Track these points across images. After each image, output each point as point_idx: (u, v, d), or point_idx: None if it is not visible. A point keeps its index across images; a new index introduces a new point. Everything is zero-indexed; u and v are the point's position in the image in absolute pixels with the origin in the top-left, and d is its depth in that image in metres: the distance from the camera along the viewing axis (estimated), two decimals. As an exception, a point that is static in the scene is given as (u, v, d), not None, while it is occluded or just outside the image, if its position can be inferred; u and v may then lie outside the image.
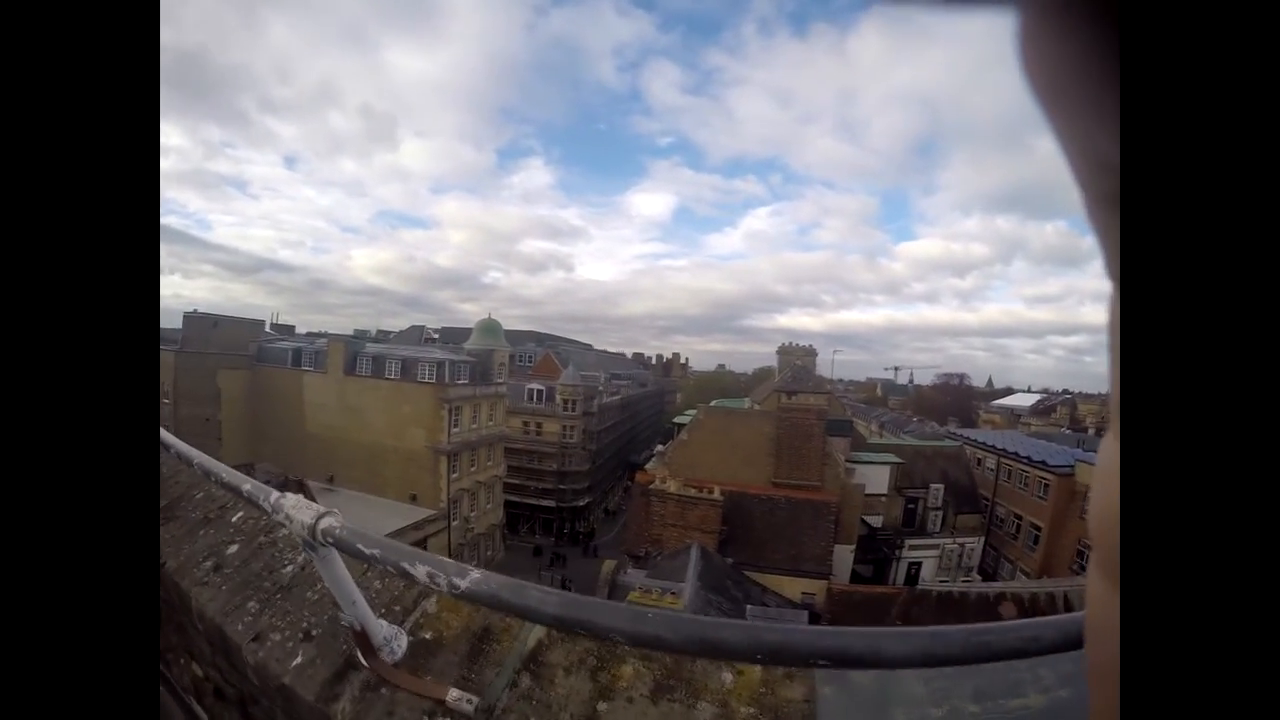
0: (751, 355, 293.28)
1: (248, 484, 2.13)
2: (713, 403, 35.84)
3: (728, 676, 1.89)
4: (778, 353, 42.91)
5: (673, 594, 15.51)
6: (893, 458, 35.53)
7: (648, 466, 31.56)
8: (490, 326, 47.54)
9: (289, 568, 2.61)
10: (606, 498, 68.21)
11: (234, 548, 2.83)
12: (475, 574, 1.43)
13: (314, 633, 2.20)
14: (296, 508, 1.78)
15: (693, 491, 22.56)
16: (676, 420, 34.95)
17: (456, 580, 1.43)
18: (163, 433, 2.91)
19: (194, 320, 46.33)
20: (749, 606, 21.37)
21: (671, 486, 22.61)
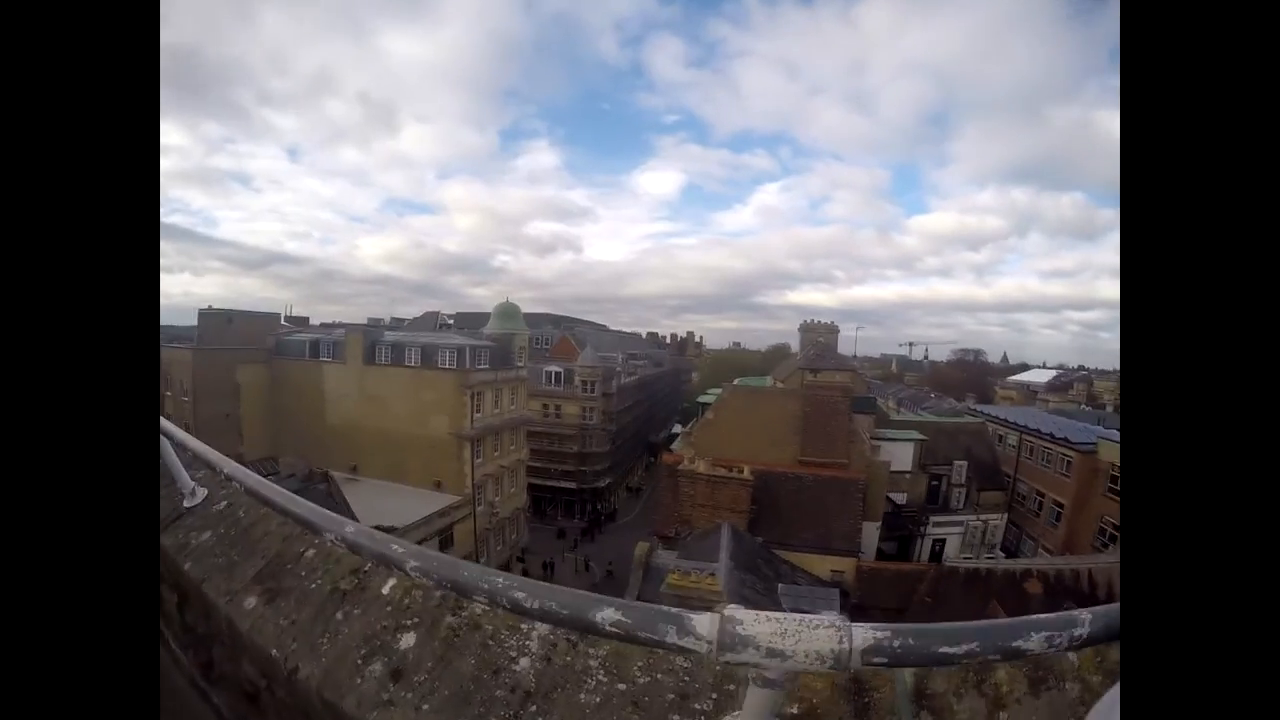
0: (764, 332, 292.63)
1: (387, 546, 1.83)
2: (735, 381, 35.73)
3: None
4: (800, 330, 42.79)
5: (710, 575, 15.52)
6: (916, 434, 35.35)
7: (673, 447, 31.58)
8: (509, 310, 47.46)
9: (522, 663, 1.91)
10: (628, 476, 68.60)
11: (409, 638, 2.03)
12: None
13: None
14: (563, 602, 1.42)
15: (722, 471, 22.53)
16: (700, 400, 34.87)
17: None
18: (229, 464, 2.73)
19: (209, 316, 46.63)
20: (780, 585, 21.45)
21: (700, 467, 22.58)
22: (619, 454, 62.98)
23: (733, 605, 1.28)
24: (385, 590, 2.24)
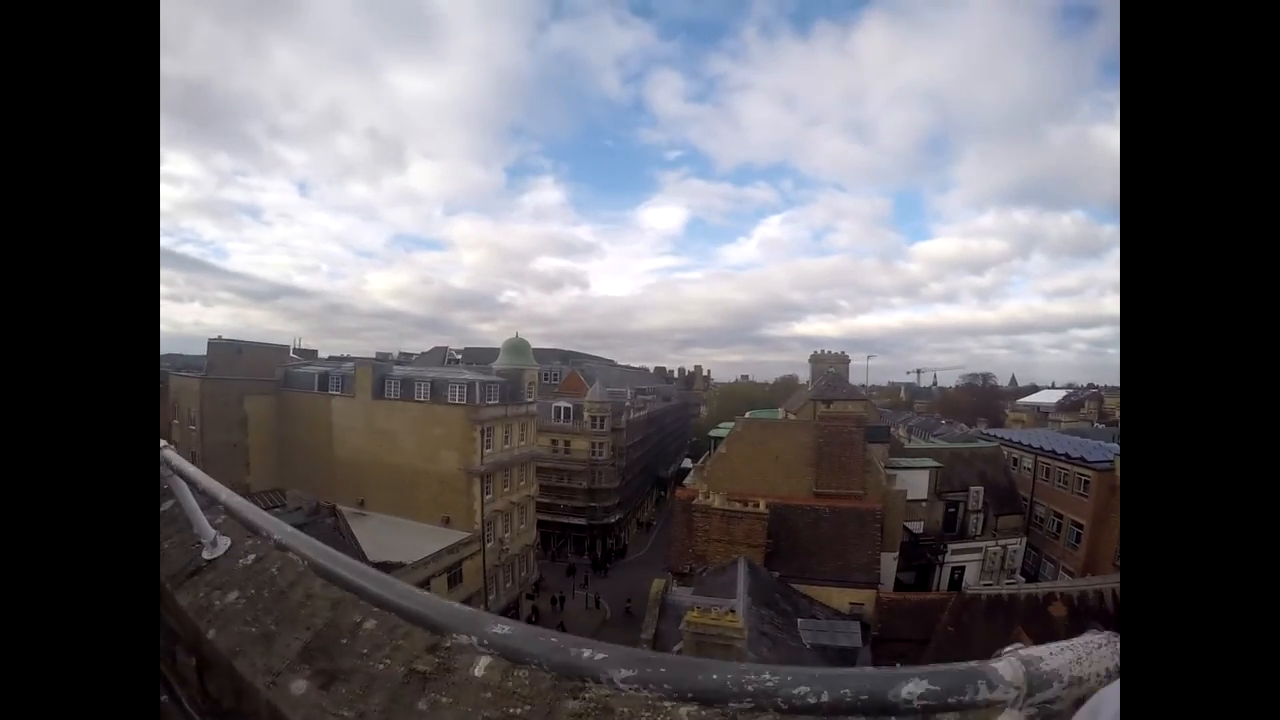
0: (771, 365, 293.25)
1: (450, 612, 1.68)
2: (747, 414, 35.45)
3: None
4: (810, 361, 42.38)
5: (730, 611, 15.12)
6: (931, 462, 35.02)
7: (686, 481, 31.24)
8: (518, 346, 47.36)
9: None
10: (637, 512, 67.92)
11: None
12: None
13: None
14: None
15: (737, 505, 22.20)
16: (711, 434, 34.56)
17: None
18: (258, 514, 2.55)
19: (219, 347, 46.61)
20: (800, 620, 21.04)
21: (715, 501, 22.27)
22: (628, 489, 62.36)
23: (1014, 646, 1.25)
24: (478, 672, 1.79)
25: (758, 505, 22.22)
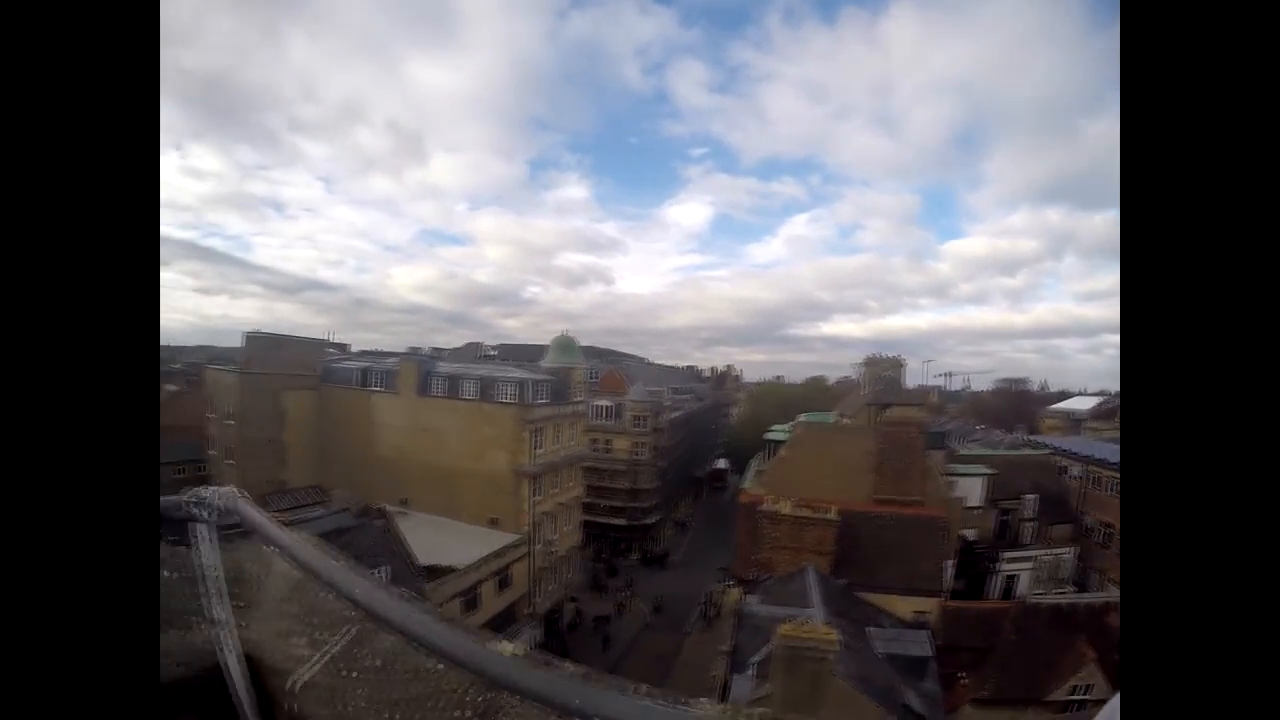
0: (796, 364, 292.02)
1: None
2: (801, 417, 35.14)
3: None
4: (865, 364, 41.77)
5: (826, 624, 14.89)
6: (985, 469, 34.57)
7: (745, 485, 31.00)
8: (566, 343, 47.16)
9: None
10: (673, 511, 67.72)
11: None
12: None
13: None
14: None
15: (807, 512, 21.92)
16: (768, 437, 34.23)
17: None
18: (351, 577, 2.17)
19: (256, 340, 46.43)
20: (868, 629, 20.77)
21: (784, 507, 21.98)
22: (666, 489, 62.22)
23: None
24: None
25: (828, 511, 21.92)
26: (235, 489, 2.53)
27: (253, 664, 2.27)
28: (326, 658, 2.07)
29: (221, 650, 2.25)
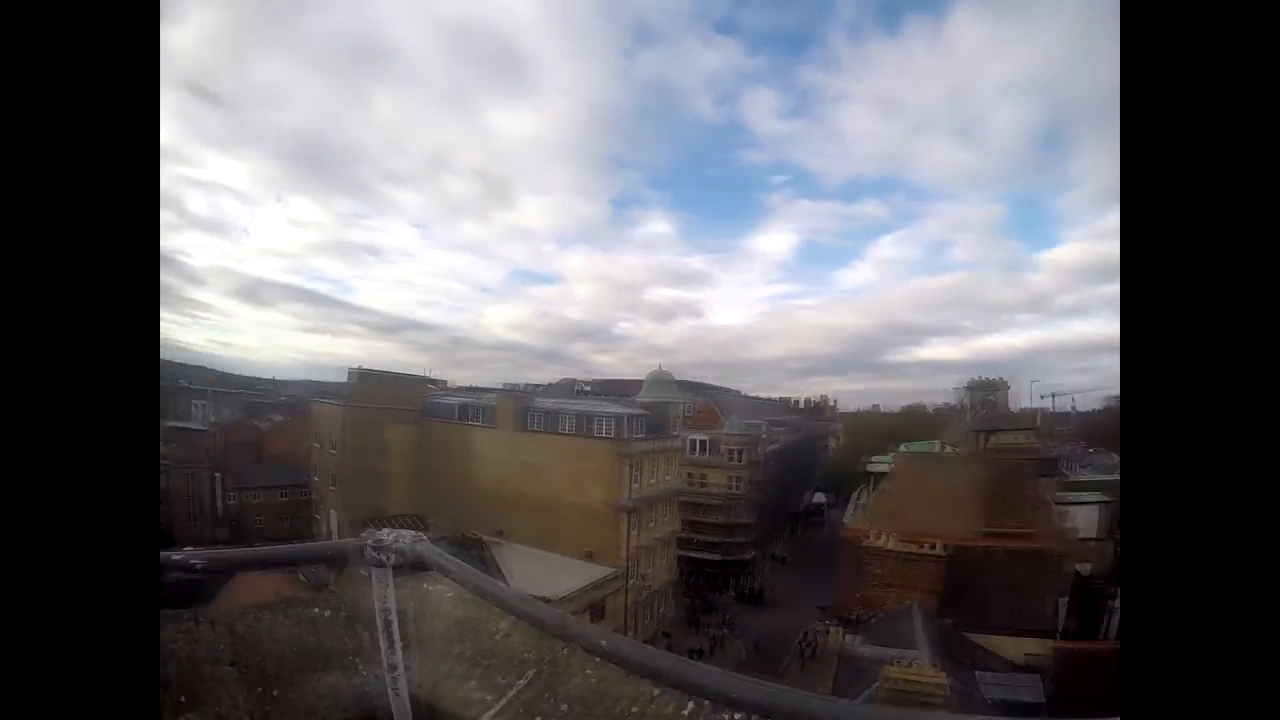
0: (894, 392, 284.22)
1: None
2: (902, 447, 34.04)
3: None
4: (967, 388, 40.36)
5: (935, 666, 14.16)
6: (1101, 496, 32.47)
7: (847, 520, 30.17)
8: (662, 379, 47.42)
9: None
10: (769, 546, 66.24)
11: None
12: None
13: None
14: None
15: (912, 547, 21.04)
16: (869, 469, 33.28)
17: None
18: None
19: (362, 376, 49.05)
20: (978, 673, 19.67)
21: (889, 543, 21.17)
22: (762, 524, 60.94)
23: None
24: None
25: (934, 547, 20.98)
26: (416, 533, 2.52)
27: (420, 707, 2.29)
28: (505, 700, 2.16)
29: (392, 694, 2.26)
